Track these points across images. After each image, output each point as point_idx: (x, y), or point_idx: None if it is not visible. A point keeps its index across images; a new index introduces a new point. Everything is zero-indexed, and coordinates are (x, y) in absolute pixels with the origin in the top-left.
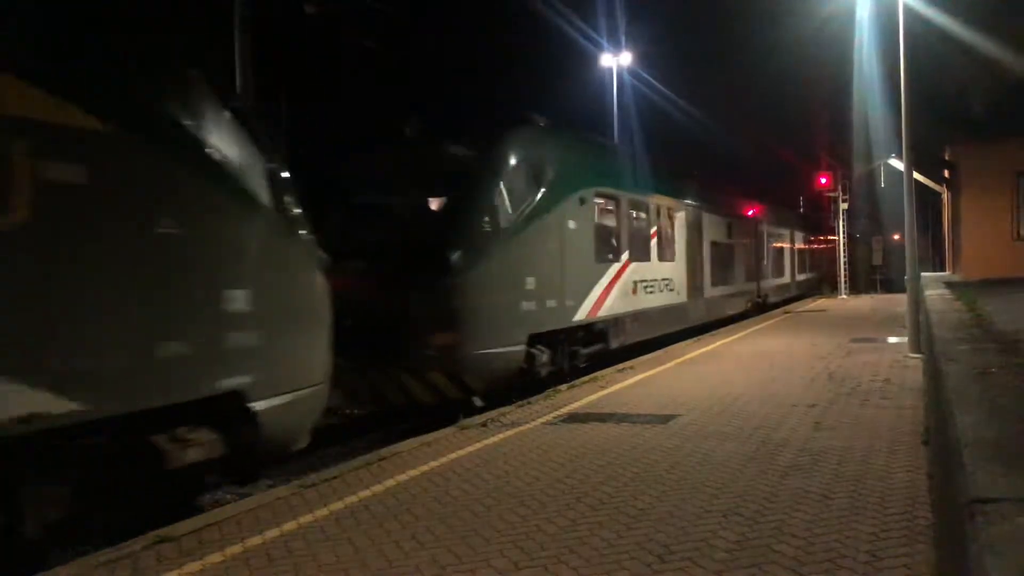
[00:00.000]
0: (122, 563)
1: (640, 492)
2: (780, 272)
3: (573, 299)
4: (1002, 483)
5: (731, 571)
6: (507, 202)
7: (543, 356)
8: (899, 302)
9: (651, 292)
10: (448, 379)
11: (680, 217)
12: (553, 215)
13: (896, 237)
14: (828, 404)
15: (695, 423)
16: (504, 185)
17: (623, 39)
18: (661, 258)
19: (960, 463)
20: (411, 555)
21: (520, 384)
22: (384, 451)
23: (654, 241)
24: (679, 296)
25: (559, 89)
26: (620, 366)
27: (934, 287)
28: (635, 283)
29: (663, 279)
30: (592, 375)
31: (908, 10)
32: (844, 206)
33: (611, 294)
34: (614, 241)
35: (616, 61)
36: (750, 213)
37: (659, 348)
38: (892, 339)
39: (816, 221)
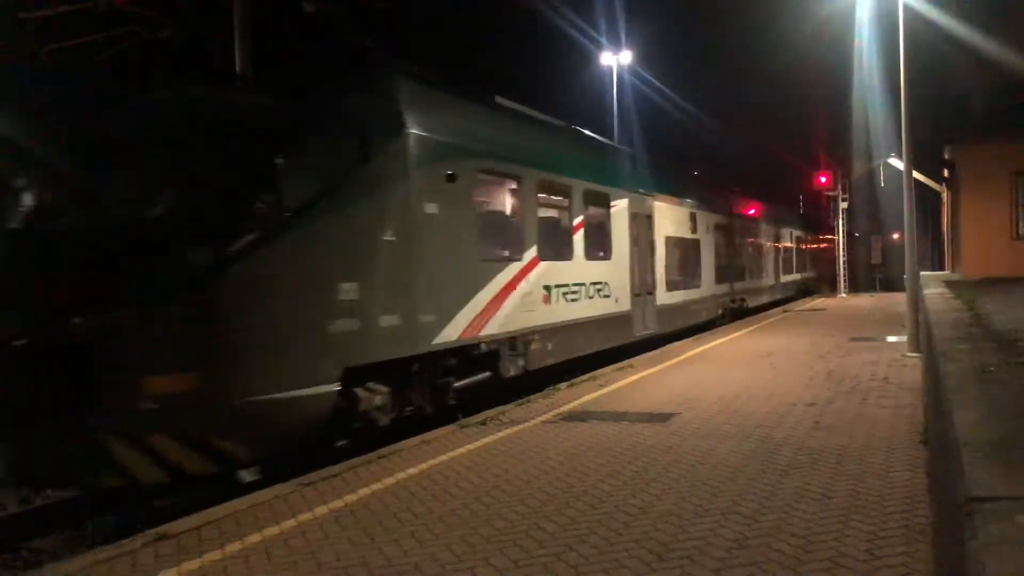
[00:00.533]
0: (121, 560)
1: (639, 490)
2: (762, 273)
3: (434, 313)
4: (1000, 482)
5: (730, 570)
6: (308, 171)
7: (376, 398)
8: (898, 301)
9: (574, 300)
10: (184, 445)
11: (621, 205)
12: (396, 194)
13: (896, 236)
14: (827, 403)
15: (694, 421)
16: (307, 147)
17: (623, 38)
18: (590, 256)
19: (959, 462)
20: (411, 553)
21: (334, 439)
22: (384, 449)
23: (579, 234)
24: (619, 304)
25: (559, 88)
26: (619, 365)
27: (933, 286)
28: (548, 288)
29: (593, 283)
30: (591, 374)
31: (908, 10)
32: (844, 205)
33: (505, 304)
34: (513, 233)
35: (616, 60)
36: (722, 204)
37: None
38: (891, 338)
39: (814, 218)
